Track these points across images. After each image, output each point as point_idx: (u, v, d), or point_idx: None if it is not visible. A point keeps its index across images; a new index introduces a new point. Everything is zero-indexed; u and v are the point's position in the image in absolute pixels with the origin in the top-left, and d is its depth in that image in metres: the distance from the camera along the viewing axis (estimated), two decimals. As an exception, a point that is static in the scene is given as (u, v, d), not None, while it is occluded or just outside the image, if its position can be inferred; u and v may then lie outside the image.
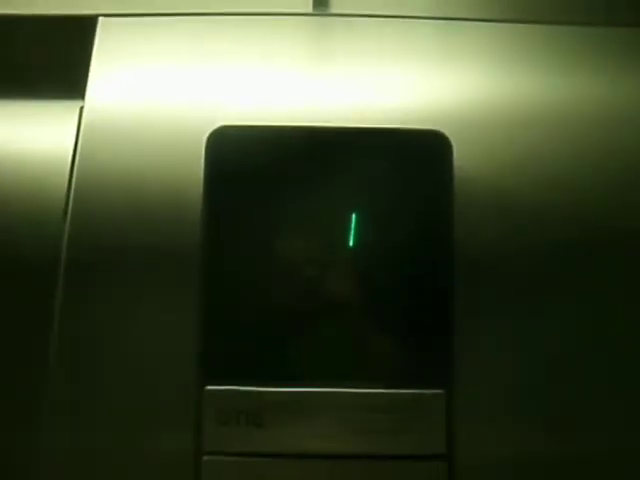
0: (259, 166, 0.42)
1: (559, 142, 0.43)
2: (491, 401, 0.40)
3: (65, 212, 0.42)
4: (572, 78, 0.45)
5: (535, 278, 0.41)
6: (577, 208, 0.42)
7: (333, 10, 0.49)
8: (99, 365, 0.41)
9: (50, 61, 0.47)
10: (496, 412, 0.40)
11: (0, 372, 0.42)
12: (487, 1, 0.48)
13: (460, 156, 0.42)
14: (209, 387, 0.40)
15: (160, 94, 0.44)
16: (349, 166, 0.42)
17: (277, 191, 0.41)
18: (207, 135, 0.42)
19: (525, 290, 0.41)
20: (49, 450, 0.40)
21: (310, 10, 0.49)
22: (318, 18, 0.48)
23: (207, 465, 0.39)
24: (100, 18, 0.46)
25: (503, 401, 0.40)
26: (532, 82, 0.45)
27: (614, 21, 0.47)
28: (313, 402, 0.40)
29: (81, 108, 0.44)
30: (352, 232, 0.41)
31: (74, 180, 0.43)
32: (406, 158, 0.42)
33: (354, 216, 0.41)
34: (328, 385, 0.40)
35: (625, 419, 0.40)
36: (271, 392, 0.40)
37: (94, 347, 0.41)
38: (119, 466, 0.40)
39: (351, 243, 0.41)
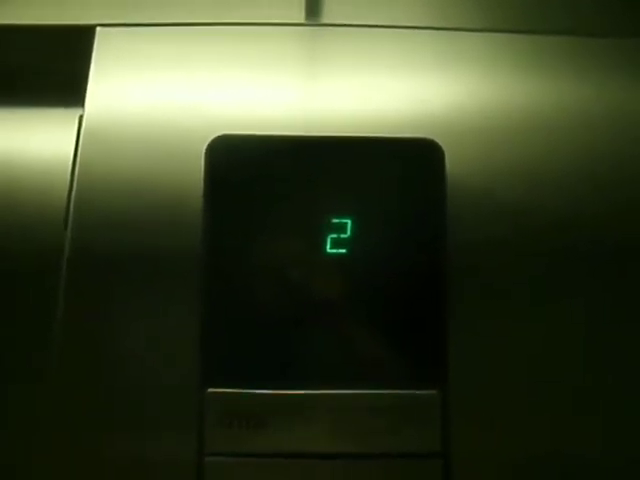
0: (257, 174, 0.43)
1: (548, 148, 0.44)
2: (486, 400, 0.41)
3: (66, 220, 0.43)
4: (561, 86, 0.46)
5: (529, 280, 0.42)
6: (567, 212, 0.43)
7: (325, 20, 0.50)
8: (101, 368, 0.42)
9: (49, 70, 0.48)
10: (491, 411, 0.41)
11: (1, 377, 0.43)
12: (478, 11, 0.50)
13: (452, 163, 0.43)
14: (211, 389, 0.41)
15: (159, 103, 0.45)
16: (344, 174, 0.43)
17: (275, 198, 0.42)
18: (206, 144, 0.43)
19: (519, 292, 0.42)
20: (51, 451, 0.41)
21: (303, 20, 0.50)
22: (311, 28, 0.50)
23: (209, 466, 0.40)
24: (98, 28, 0.47)
25: (498, 400, 0.41)
26: (521, 90, 0.46)
27: (603, 32, 0.48)
28: (312, 404, 0.41)
29: (80, 116, 0.45)
30: (347, 238, 0.42)
31: (74, 188, 0.43)
32: (399, 166, 0.43)
33: (349, 223, 0.42)
34: (326, 387, 0.41)
35: (623, 418, 0.42)
36: (271, 395, 0.41)
37: (96, 351, 0.42)
38: (121, 467, 0.41)
39: (346, 249, 0.42)
